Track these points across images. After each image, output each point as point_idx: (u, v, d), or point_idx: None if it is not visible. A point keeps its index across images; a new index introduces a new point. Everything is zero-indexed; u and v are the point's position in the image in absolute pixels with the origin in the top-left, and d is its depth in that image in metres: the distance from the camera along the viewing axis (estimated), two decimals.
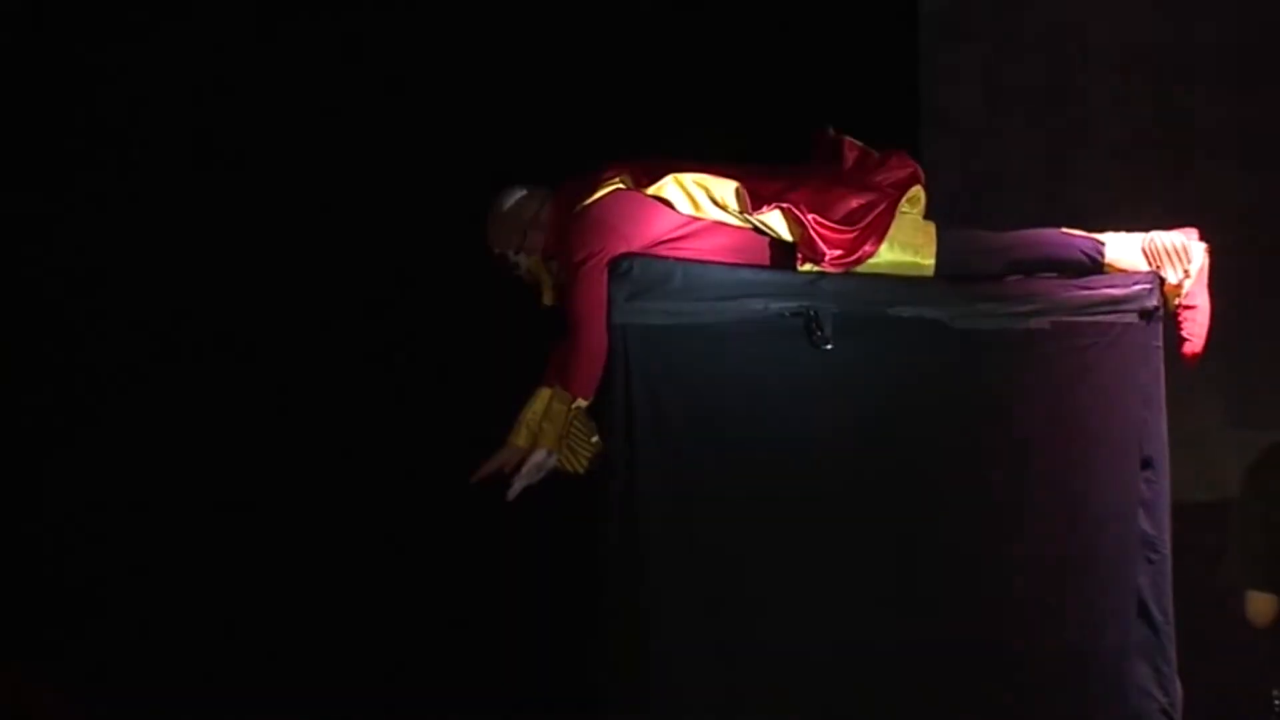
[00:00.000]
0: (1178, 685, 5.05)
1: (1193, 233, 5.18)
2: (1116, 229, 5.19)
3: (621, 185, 5.00)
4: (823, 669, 4.88)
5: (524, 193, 5.13)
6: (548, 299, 5.16)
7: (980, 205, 6.78)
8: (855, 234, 4.98)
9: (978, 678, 4.94)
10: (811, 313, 4.93)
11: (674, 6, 6.83)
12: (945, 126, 7.01)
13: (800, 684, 4.88)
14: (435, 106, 6.76)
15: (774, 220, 4.98)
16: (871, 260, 5.01)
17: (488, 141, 6.59)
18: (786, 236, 4.99)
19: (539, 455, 4.93)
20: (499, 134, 6.63)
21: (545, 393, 5.03)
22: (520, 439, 5.02)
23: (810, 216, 4.95)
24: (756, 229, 5.01)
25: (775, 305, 4.93)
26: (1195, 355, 5.14)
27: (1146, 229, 5.18)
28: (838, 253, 4.97)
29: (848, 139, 5.24)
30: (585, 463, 4.99)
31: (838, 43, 6.77)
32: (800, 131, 5.30)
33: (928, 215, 5.15)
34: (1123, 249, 5.14)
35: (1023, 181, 6.98)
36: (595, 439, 4.93)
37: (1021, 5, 7.09)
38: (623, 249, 4.93)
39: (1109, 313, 5.04)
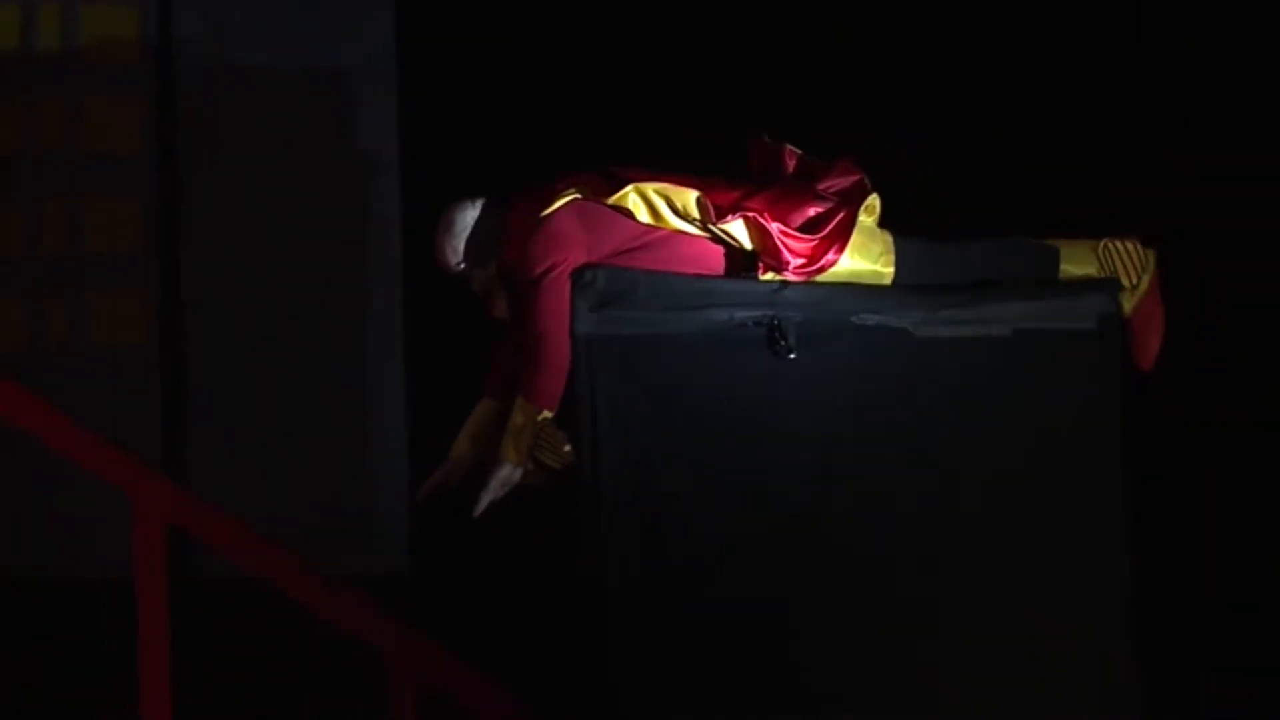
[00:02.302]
0: (1141, 686, 5.09)
1: (1139, 239, 5.23)
2: None
3: (578, 195, 4.96)
4: (790, 675, 4.89)
5: (476, 205, 5.07)
6: (500, 312, 5.10)
7: None
8: (817, 242, 4.96)
9: (944, 681, 4.96)
10: (775, 322, 4.92)
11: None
12: None
13: (767, 691, 4.87)
14: None
15: (737, 229, 4.95)
16: (831, 269, 5.01)
17: None
18: (748, 245, 4.96)
19: (505, 470, 4.85)
20: None
21: (488, 404, 5.03)
22: (464, 450, 5.02)
23: (774, 225, 4.92)
24: (716, 238, 4.98)
25: (739, 315, 4.91)
26: (1151, 360, 5.18)
27: None
28: (801, 261, 4.95)
29: (787, 146, 5.22)
30: (550, 475, 4.94)
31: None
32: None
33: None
34: (1078, 256, 5.17)
35: None
36: (567, 448, 4.88)
37: None
38: (585, 259, 4.89)
39: (1067, 319, 5.06)
